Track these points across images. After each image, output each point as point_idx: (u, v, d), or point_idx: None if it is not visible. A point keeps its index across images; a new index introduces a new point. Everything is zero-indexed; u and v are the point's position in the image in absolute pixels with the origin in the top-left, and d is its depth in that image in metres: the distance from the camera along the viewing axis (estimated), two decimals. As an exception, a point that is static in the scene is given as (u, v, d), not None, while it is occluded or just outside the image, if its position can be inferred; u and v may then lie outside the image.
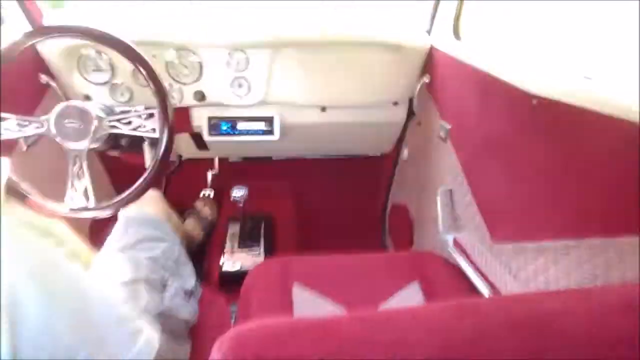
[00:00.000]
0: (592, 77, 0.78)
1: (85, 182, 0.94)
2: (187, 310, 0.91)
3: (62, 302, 0.45)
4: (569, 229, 0.78)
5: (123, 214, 1.04)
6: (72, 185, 0.94)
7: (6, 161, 0.60)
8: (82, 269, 0.51)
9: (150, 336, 0.54)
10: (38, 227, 0.49)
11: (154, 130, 0.96)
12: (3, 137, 0.92)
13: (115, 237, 0.99)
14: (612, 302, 0.45)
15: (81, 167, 0.94)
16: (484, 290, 1.00)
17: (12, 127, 0.93)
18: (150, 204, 1.09)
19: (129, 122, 0.97)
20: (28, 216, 0.49)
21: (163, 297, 0.88)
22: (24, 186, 0.95)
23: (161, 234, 1.02)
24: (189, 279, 0.99)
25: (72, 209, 0.93)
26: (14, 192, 0.90)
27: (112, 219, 1.05)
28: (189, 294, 0.95)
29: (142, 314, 0.57)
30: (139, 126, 0.97)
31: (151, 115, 0.96)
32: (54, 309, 0.44)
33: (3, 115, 0.92)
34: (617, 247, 0.69)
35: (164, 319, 0.83)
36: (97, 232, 1.36)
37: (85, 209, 0.94)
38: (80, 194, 0.94)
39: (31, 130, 0.94)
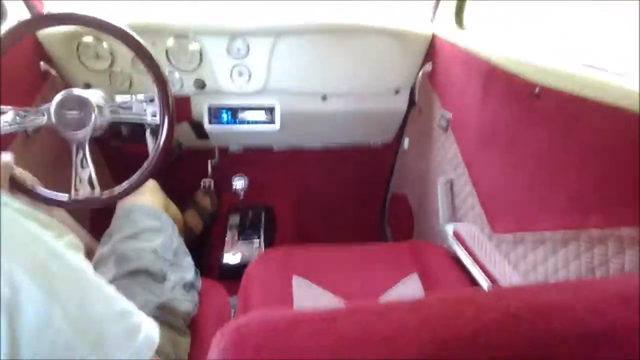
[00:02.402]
0: (594, 65, 0.77)
1: (90, 170, 0.94)
2: (187, 302, 0.91)
3: (62, 296, 0.44)
4: (569, 220, 0.78)
5: (121, 204, 1.04)
6: (77, 174, 0.93)
7: (9, 155, 0.60)
8: (83, 262, 0.51)
9: (151, 331, 0.54)
10: (39, 219, 0.49)
11: (154, 115, 0.95)
12: (4, 132, 0.92)
13: (115, 228, 0.99)
14: (611, 293, 0.45)
15: (84, 155, 0.94)
16: (483, 281, 1.01)
17: (12, 119, 0.92)
18: (148, 195, 1.09)
19: (130, 108, 0.97)
20: (29, 207, 0.49)
21: (163, 289, 0.88)
22: (28, 179, 0.94)
23: (160, 224, 1.02)
24: (189, 271, 0.99)
25: (77, 199, 0.93)
26: (18, 185, 0.90)
27: (112, 210, 1.05)
28: (189, 285, 0.95)
29: (142, 306, 0.57)
30: (140, 112, 0.97)
31: (152, 101, 0.96)
32: (54, 302, 0.43)
33: (2, 108, 0.92)
34: (616, 238, 0.69)
35: (164, 311, 0.84)
36: (97, 223, 1.37)
37: (91, 198, 0.94)
38: (85, 183, 0.94)
39: (32, 120, 0.93)
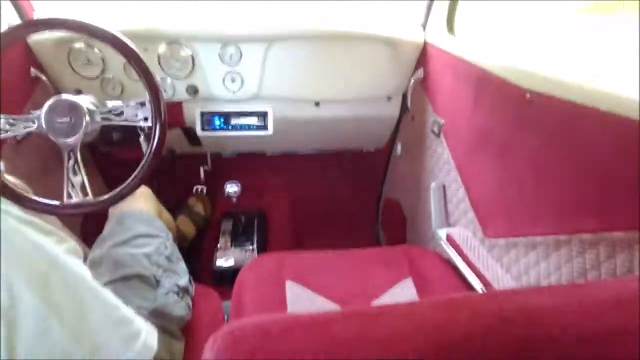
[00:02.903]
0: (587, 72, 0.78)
1: (82, 176, 0.93)
2: (180, 307, 0.90)
3: (60, 305, 0.44)
4: (561, 224, 0.79)
5: (114, 210, 1.03)
6: (69, 180, 0.93)
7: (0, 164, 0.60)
8: (83, 269, 0.51)
9: (149, 337, 0.53)
10: (39, 226, 0.49)
11: (146, 120, 0.95)
12: None
13: (108, 233, 0.98)
14: (602, 296, 0.45)
15: (76, 161, 0.93)
16: (477, 284, 1.01)
17: (2, 126, 0.92)
18: (141, 201, 1.08)
19: (121, 113, 0.97)
20: (28, 215, 0.48)
21: (156, 294, 0.87)
22: (20, 185, 0.93)
23: (153, 230, 1.02)
24: (182, 276, 0.98)
25: (70, 205, 0.92)
26: (9, 193, 0.89)
27: (104, 216, 1.05)
28: (182, 290, 0.95)
29: (135, 311, 0.56)
30: (131, 117, 0.96)
31: (143, 105, 0.95)
32: (52, 312, 0.43)
33: None
34: (607, 242, 0.69)
35: (158, 316, 0.83)
36: (88, 229, 1.36)
37: (84, 204, 0.93)
38: (77, 189, 0.93)
39: (22, 128, 0.93)
